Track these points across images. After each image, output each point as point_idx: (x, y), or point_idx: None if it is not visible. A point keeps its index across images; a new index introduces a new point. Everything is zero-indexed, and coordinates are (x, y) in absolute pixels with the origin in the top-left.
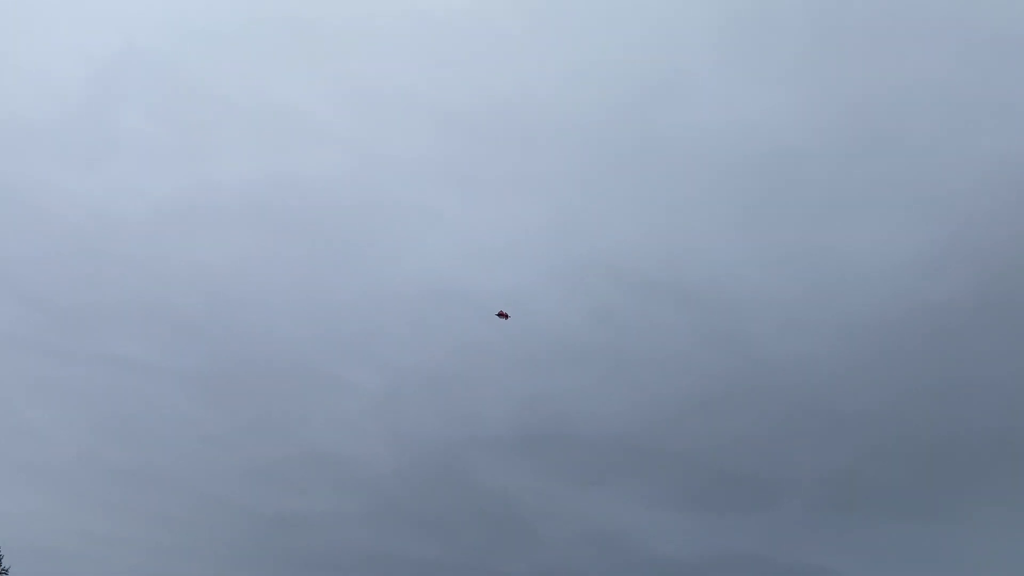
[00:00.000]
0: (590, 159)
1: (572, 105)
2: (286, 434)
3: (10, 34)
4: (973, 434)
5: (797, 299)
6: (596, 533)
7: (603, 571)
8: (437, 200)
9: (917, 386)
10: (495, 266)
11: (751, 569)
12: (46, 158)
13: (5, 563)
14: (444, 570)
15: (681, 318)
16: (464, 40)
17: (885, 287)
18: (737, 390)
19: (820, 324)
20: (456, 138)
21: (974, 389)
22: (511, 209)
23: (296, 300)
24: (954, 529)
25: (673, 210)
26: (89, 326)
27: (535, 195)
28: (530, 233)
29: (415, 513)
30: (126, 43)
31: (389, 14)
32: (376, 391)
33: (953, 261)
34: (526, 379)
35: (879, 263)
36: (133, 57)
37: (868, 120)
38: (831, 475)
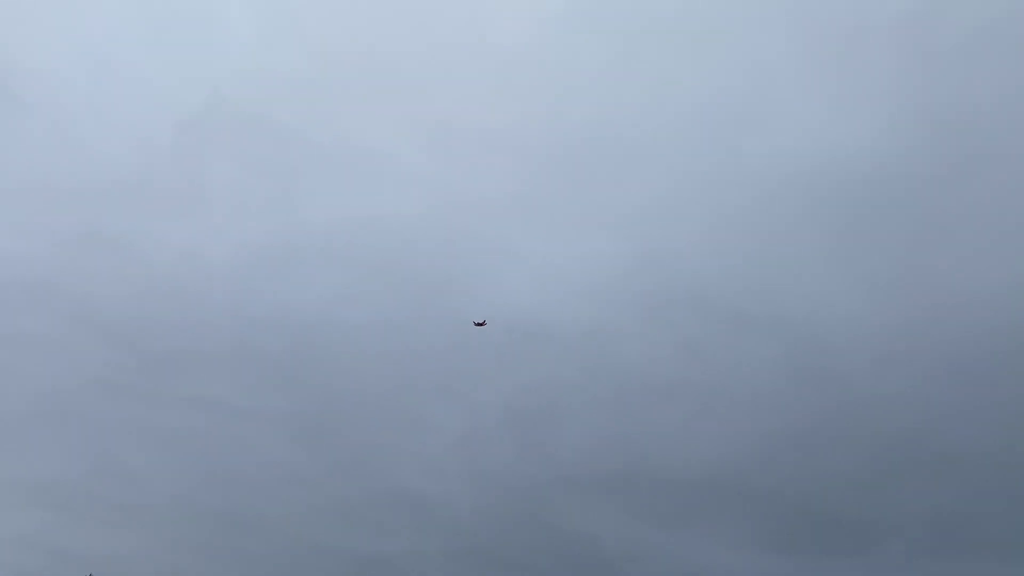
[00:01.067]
0: (672, 189)
1: (652, 134)
2: (371, 475)
3: (102, 89)
4: None
5: (894, 329)
6: None
7: None
8: (517, 236)
9: None
10: (576, 302)
11: None
12: (137, 207)
13: None
14: None
15: (771, 352)
16: (541, 74)
17: (988, 315)
18: (832, 427)
19: (919, 355)
20: (535, 173)
21: None
22: (592, 243)
23: (379, 340)
24: None
25: (760, 239)
26: (180, 370)
27: (616, 227)
28: (612, 266)
29: (496, 554)
30: (213, 93)
31: (465, 52)
32: (457, 430)
33: None
34: (610, 417)
35: (981, 290)
36: (219, 106)
37: (964, 138)
38: (935, 517)
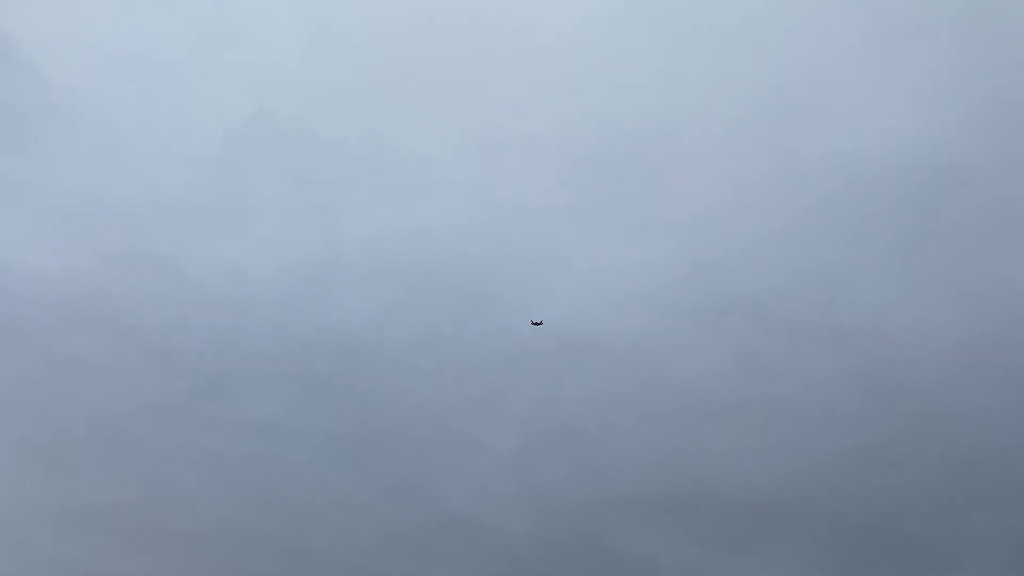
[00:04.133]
0: (728, 193)
1: (706, 136)
2: (420, 497)
3: (147, 105)
4: None
5: (968, 340)
6: None
7: None
8: (566, 246)
9: None
10: (629, 313)
11: None
12: (183, 225)
13: None
14: None
15: (836, 364)
16: (589, 76)
17: None
18: (902, 444)
19: (995, 367)
20: (584, 179)
21: None
22: (644, 251)
23: (426, 356)
24: None
25: (822, 243)
26: (228, 391)
27: (669, 234)
28: (666, 275)
29: None
30: (257, 107)
31: (510, 56)
32: (508, 450)
33: None
34: (665, 434)
35: None
36: (264, 120)
37: None
38: (1016, 540)
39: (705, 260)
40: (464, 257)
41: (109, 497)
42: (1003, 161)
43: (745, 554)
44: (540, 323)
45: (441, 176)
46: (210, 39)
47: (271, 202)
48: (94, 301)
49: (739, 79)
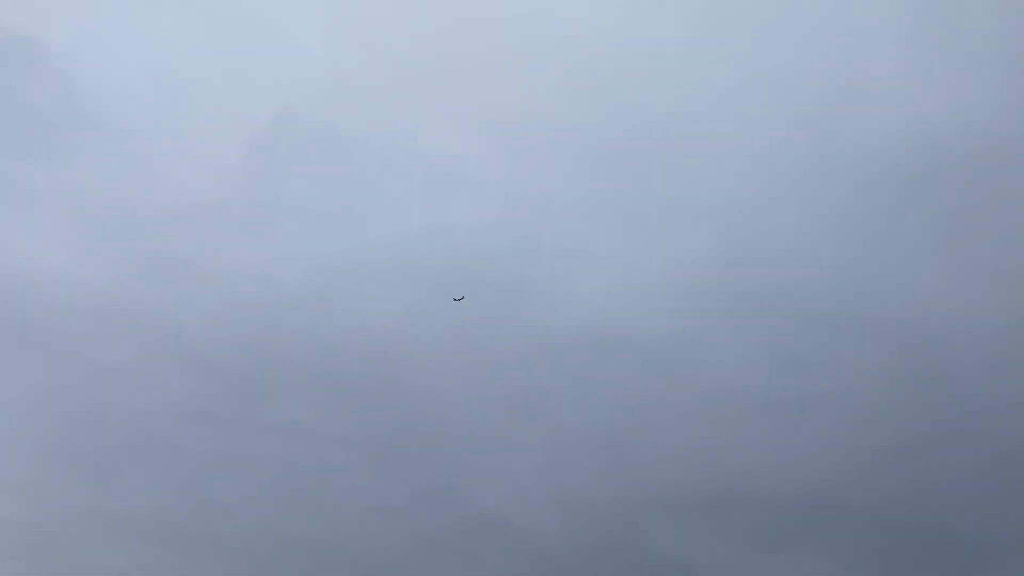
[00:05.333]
0: (761, 180)
1: (739, 121)
2: (453, 499)
3: (173, 107)
4: None
5: (1010, 330)
6: None
7: None
8: (595, 240)
9: None
10: (661, 309)
11: None
12: (212, 229)
13: None
14: None
15: (875, 357)
16: (613, 66)
17: None
18: (945, 438)
19: None
20: (611, 172)
21: None
22: (675, 244)
23: (456, 356)
24: None
25: (861, 233)
26: (260, 395)
27: (702, 225)
28: (698, 269)
29: None
30: (282, 109)
31: (533, 48)
32: (539, 450)
33: None
34: (700, 432)
35: None
36: (289, 121)
37: None
38: None
39: (738, 252)
40: (492, 255)
41: (144, 502)
42: None
43: (783, 553)
44: (461, 298)
45: (467, 173)
46: (234, 43)
47: (298, 204)
48: (126, 307)
49: (770, 64)
